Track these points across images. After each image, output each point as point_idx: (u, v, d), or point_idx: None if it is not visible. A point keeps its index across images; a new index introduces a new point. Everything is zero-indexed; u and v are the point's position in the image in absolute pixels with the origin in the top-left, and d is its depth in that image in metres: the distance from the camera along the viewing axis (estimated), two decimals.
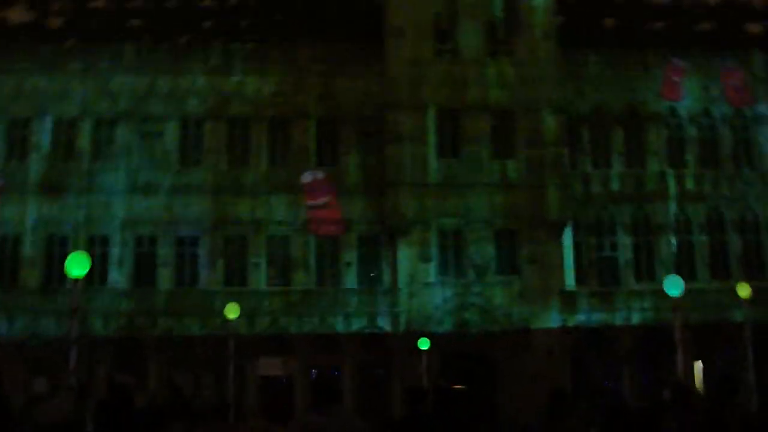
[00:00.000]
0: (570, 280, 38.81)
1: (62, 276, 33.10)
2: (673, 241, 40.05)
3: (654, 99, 40.99)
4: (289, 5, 42.85)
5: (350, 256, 38.75)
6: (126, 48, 39.82)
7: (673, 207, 40.36)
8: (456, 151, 38.78)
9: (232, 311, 32.03)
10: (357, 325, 37.69)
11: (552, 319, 37.77)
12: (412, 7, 39.37)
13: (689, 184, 40.59)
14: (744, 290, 32.63)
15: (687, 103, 41.31)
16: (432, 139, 38.55)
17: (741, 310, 33.29)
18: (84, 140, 39.05)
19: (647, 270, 39.82)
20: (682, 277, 28.33)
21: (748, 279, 37.85)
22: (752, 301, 33.44)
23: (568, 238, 39.02)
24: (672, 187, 40.51)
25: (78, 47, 39.92)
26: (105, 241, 38.25)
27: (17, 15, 42.33)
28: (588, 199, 39.75)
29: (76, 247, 35.94)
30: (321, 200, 38.71)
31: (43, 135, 39.00)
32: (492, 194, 38.31)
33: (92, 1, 43.25)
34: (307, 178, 38.93)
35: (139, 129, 39.39)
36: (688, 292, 30.33)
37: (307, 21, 41.69)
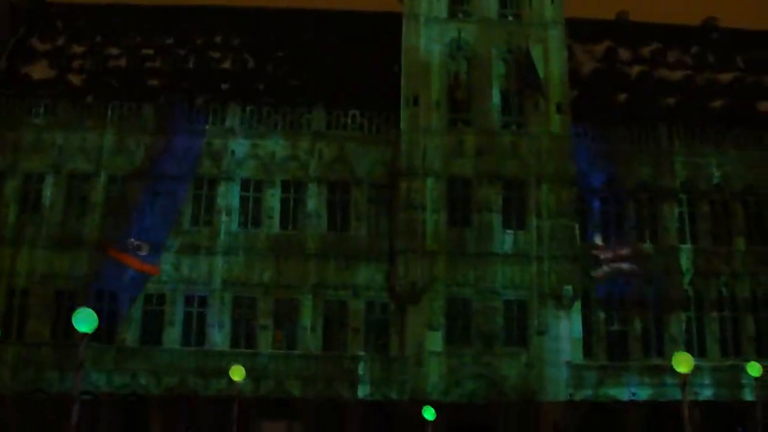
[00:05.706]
0: (578, 354, 38.43)
1: (69, 331, 33.03)
2: (684, 317, 39.73)
3: (666, 174, 41.04)
4: (305, 72, 43.42)
5: (358, 321, 38.53)
6: (143, 107, 40.19)
7: (684, 283, 40.13)
8: (467, 220, 38.83)
9: (237, 373, 31.90)
10: (362, 392, 37.25)
11: (559, 393, 37.33)
12: (427, 77, 39.85)
13: (701, 261, 40.39)
14: (755, 369, 32.29)
15: (696, 181, 41.41)
16: (443, 207, 38.62)
17: (752, 389, 33.00)
18: (97, 196, 39.20)
19: (657, 346, 39.43)
20: (692, 354, 28.07)
21: (759, 357, 37.77)
22: (763, 379, 33.20)
23: (577, 310, 38.76)
24: (684, 263, 40.32)
25: (96, 104, 40.34)
26: (114, 298, 38.04)
27: (39, 71, 43.02)
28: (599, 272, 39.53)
29: (84, 303, 35.89)
30: None
31: (56, 189, 39.19)
32: (502, 264, 38.24)
33: (113, 60, 43.96)
34: None
35: (152, 187, 39.45)
36: (698, 369, 29.90)
37: (322, 87, 42.18)
